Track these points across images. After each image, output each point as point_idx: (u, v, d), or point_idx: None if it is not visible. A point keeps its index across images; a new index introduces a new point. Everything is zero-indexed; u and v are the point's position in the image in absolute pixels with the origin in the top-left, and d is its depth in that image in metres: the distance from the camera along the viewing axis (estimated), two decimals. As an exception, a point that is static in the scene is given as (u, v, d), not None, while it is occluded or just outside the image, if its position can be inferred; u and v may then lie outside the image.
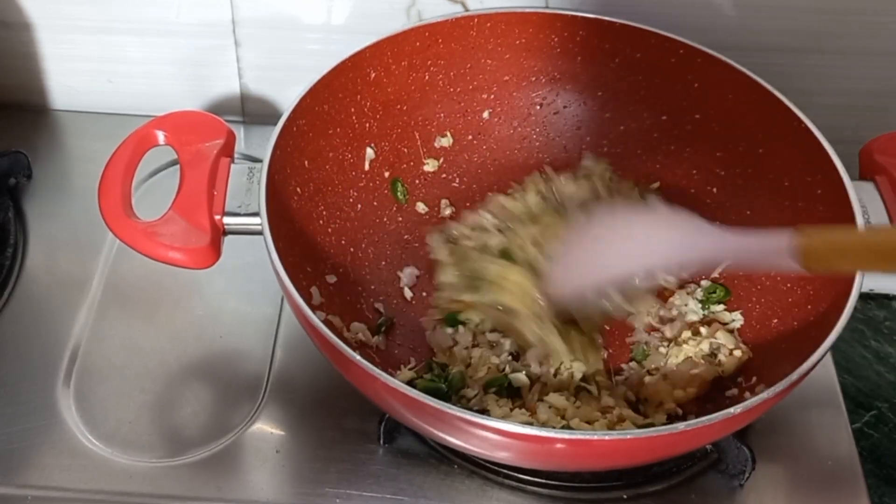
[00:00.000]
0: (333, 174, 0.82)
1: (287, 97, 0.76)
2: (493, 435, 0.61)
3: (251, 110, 1.00)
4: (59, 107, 1.01)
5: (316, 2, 0.91)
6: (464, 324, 0.79)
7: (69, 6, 0.93)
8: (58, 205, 0.90)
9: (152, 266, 0.70)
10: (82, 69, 0.98)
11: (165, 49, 0.96)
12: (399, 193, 0.87)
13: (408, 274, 0.84)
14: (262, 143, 0.73)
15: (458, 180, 0.90)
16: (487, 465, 0.74)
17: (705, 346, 0.77)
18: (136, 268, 0.84)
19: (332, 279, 0.79)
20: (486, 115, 0.90)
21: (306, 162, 0.78)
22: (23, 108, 1.00)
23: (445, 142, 0.89)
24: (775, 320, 0.77)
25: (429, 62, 0.86)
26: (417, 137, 0.88)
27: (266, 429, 0.75)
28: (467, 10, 0.88)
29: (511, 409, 0.73)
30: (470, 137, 0.90)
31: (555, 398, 0.73)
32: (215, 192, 0.71)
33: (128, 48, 0.96)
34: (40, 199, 0.90)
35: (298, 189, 0.77)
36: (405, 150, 0.87)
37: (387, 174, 0.86)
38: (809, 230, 0.63)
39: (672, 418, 0.74)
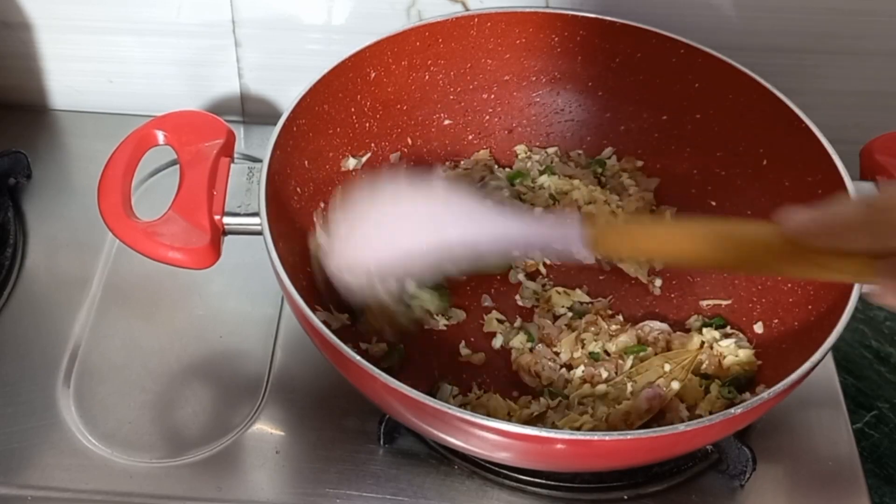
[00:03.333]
0: (333, 174, 0.82)
1: (287, 97, 0.76)
2: (493, 435, 0.61)
3: (251, 110, 1.00)
4: (59, 107, 1.00)
5: (316, 2, 0.91)
6: None
7: (69, 6, 0.93)
8: (58, 205, 0.90)
9: (152, 266, 0.70)
10: (82, 69, 0.98)
11: (166, 49, 0.96)
12: None
13: (406, 273, 0.84)
14: (262, 143, 0.73)
15: (457, 180, 0.90)
16: (487, 465, 0.74)
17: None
18: (137, 268, 0.84)
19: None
20: (486, 115, 0.90)
21: (306, 162, 0.78)
22: (23, 108, 0.99)
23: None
24: (776, 321, 0.77)
25: (429, 62, 0.86)
26: (417, 137, 0.88)
27: (266, 429, 0.75)
28: (468, 10, 0.88)
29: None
30: (470, 137, 0.90)
31: None
32: (215, 192, 0.71)
33: (128, 48, 0.96)
34: (40, 199, 0.90)
35: (298, 189, 0.77)
36: (404, 150, 0.87)
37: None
38: (595, 220, 0.66)
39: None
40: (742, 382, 0.75)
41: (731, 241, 0.59)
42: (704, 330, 0.78)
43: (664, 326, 0.79)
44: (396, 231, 0.68)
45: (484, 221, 0.68)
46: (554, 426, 0.71)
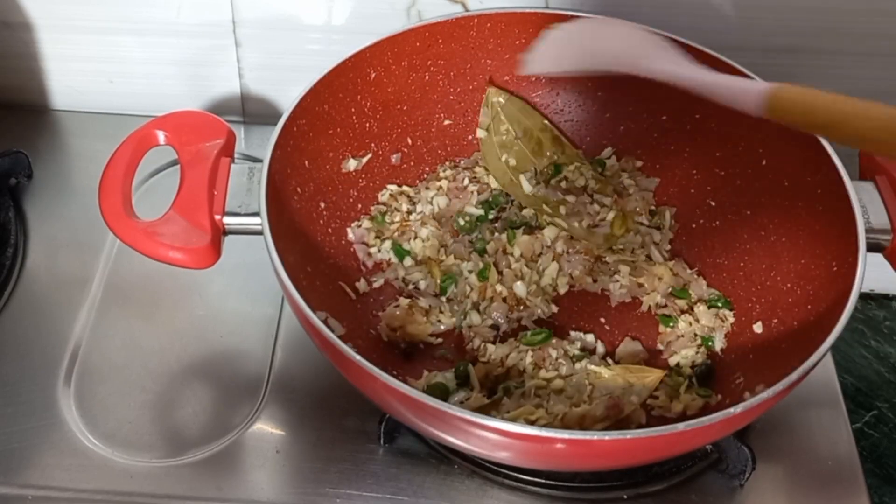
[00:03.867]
0: (333, 174, 0.82)
1: (287, 97, 0.76)
2: (493, 435, 0.61)
3: (251, 110, 1.00)
4: (59, 107, 1.01)
5: (316, 2, 0.91)
6: None
7: (70, 6, 0.93)
8: (58, 205, 0.90)
9: (153, 266, 0.70)
10: (83, 69, 0.98)
11: (166, 49, 0.96)
12: None
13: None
14: (263, 143, 0.73)
15: (457, 180, 0.90)
16: (487, 465, 0.74)
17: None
18: (137, 268, 0.84)
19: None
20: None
21: (306, 162, 0.78)
22: (23, 108, 1.00)
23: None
24: (775, 320, 0.77)
25: (429, 62, 0.86)
26: (417, 137, 0.88)
27: (266, 429, 0.76)
28: (468, 11, 0.88)
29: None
30: (470, 137, 0.90)
31: None
32: (215, 192, 0.71)
33: (129, 48, 0.96)
34: (41, 199, 0.91)
35: (298, 189, 0.77)
36: (404, 150, 0.88)
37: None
38: (785, 86, 0.65)
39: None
40: (704, 375, 0.76)
41: None
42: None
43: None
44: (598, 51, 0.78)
45: (678, 59, 0.74)
46: (508, 414, 0.71)
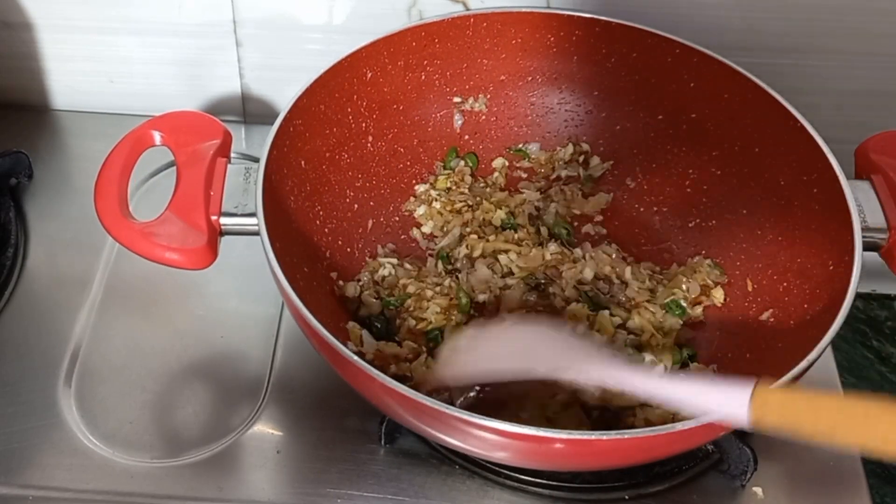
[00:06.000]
0: (330, 174, 0.82)
1: (288, 97, 0.76)
2: (492, 435, 0.61)
3: (252, 110, 1.00)
4: (59, 107, 1.01)
5: (317, 2, 0.91)
6: None
7: (70, 6, 0.93)
8: (59, 205, 0.90)
9: (153, 266, 0.70)
10: (83, 69, 0.98)
11: (166, 49, 0.96)
12: None
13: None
14: (263, 143, 0.73)
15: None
16: (488, 465, 0.74)
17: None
18: (137, 268, 0.83)
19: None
20: (482, 115, 0.90)
21: (303, 162, 0.78)
22: (23, 108, 1.00)
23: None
24: (772, 319, 0.77)
25: (425, 62, 0.86)
26: (413, 137, 0.88)
27: (267, 429, 0.76)
28: (468, 10, 0.88)
29: None
30: (466, 137, 0.90)
31: None
32: (212, 193, 0.71)
33: (129, 48, 0.96)
34: (41, 199, 0.91)
35: (295, 189, 0.77)
36: (401, 149, 0.88)
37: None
38: (767, 389, 0.57)
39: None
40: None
41: None
42: None
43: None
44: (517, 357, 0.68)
45: (626, 373, 0.64)
46: None
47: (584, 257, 0.83)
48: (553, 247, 0.83)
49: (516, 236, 0.84)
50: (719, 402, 0.57)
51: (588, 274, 0.82)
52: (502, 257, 0.82)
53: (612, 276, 0.82)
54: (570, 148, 0.90)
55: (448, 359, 0.72)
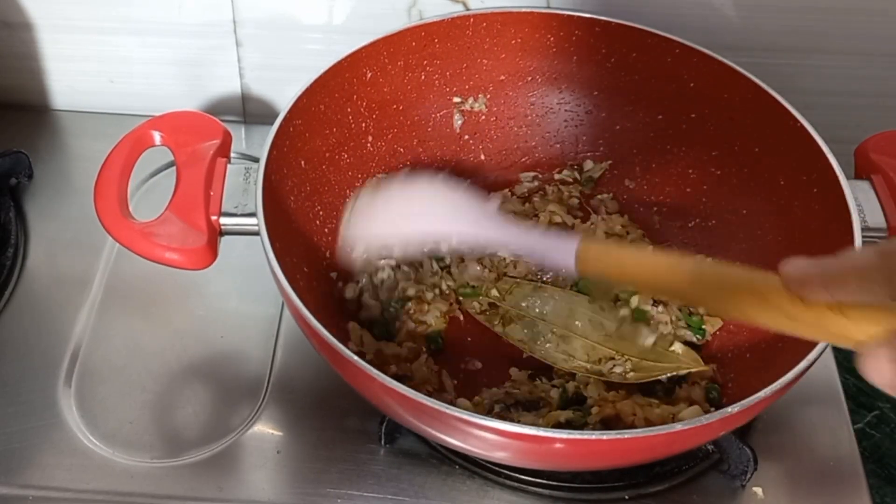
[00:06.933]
0: (330, 174, 0.82)
1: (288, 97, 0.76)
2: (492, 435, 0.61)
3: (252, 110, 1.00)
4: (59, 107, 1.01)
5: (317, 2, 0.91)
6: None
7: (70, 6, 0.93)
8: (59, 205, 0.90)
9: (153, 266, 0.70)
10: (83, 69, 0.98)
11: (166, 49, 0.96)
12: None
13: (403, 273, 0.84)
14: (263, 143, 0.73)
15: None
16: (488, 465, 0.74)
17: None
18: (137, 268, 0.83)
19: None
20: (482, 115, 0.90)
21: (303, 162, 0.78)
22: (23, 108, 1.00)
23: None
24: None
25: (425, 62, 0.86)
26: (413, 137, 0.88)
27: (267, 429, 0.76)
28: (468, 10, 0.88)
29: None
30: (466, 137, 0.90)
31: None
32: (212, 193, 0.71)
33: (129, 48, 0.96)
34: (41, 199, 0.91)
35: (295, 189, 0.77)
36: (401, 149, 0.88)
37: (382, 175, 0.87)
38: (590, 241, 0.67)
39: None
40: None
41: (721, 286, 0.57)
42: None
43: None
44: (405, 217, 0.72)
45: (486, 222, 0.70)
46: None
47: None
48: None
49: None
50: (556, 248, 0.66)
51: (599, 234, 0.84)
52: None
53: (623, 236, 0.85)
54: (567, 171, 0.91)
55: (351, 222, 0.73)
